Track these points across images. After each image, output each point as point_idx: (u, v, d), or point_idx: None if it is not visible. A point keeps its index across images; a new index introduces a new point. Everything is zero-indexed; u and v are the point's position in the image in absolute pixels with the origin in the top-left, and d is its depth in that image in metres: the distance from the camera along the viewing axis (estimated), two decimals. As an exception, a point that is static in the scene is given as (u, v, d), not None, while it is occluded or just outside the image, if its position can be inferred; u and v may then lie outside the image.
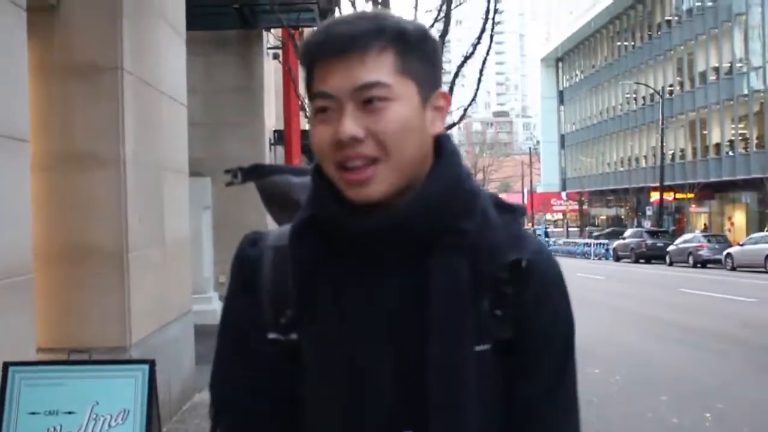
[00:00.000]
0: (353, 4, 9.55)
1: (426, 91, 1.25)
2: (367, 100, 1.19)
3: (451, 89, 8.17)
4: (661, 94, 47.19)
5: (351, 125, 1.18)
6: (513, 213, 1.33)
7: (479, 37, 9.64)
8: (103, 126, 5.61)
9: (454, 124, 8.14)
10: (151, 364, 3.62)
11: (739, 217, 46.55)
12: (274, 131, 15.79)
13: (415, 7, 9.87)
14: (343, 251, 1.25)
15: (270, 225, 1.49)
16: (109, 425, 3.49)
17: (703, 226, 48.35)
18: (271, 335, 1.29)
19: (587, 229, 66.48)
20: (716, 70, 46.54)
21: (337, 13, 14.72)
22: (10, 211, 3.96)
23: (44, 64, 5.44)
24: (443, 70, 1.35)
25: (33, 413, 3.48)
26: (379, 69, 1.19)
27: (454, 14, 8.66)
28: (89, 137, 5.58)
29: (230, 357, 1.34)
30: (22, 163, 4.10)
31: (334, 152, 1.21)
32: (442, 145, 1.30)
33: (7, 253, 3.91)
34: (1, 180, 3.86)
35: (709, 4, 47.06)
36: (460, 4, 8.89)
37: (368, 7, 9.17)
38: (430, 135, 1.26)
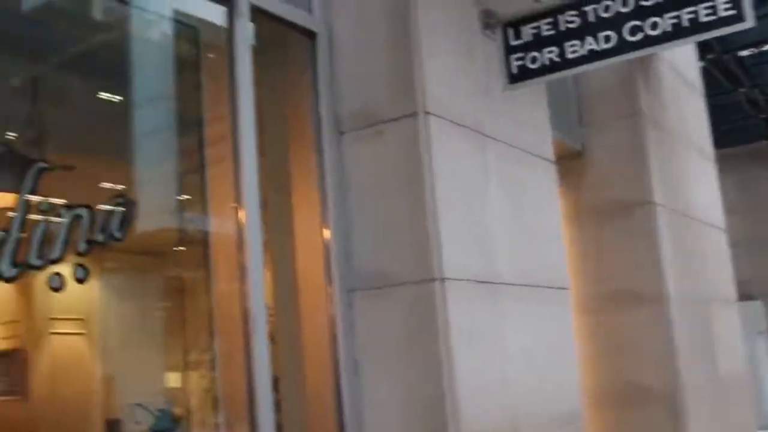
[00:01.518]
0: None
1: None
2: None
3: None
4: None
5: None
6: None
7: None
8: (640, 262, 5.52)
9: None
10: None
11: None
12: (829, 241, 14.15)
13: None
14: None
15: None
16: None
17: None
18: None
19: None
20: None
21: None
22: (557, 359, 4.01)
23: (575, 208, 5.62)
24: None
25: None
26: None
27: None
28: (627, 275, 5.52)
29: None
30: (564, 309, 4.17)
31: None
32: None
33: (558, 399, 3.94)
34: (546, 328, 3.95)
35: None
36: None
37: None
38: None
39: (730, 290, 7.16)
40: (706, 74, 8.87)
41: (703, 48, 8.94)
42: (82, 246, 2.89)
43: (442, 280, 3.21)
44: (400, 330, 3.30)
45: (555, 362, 3.96)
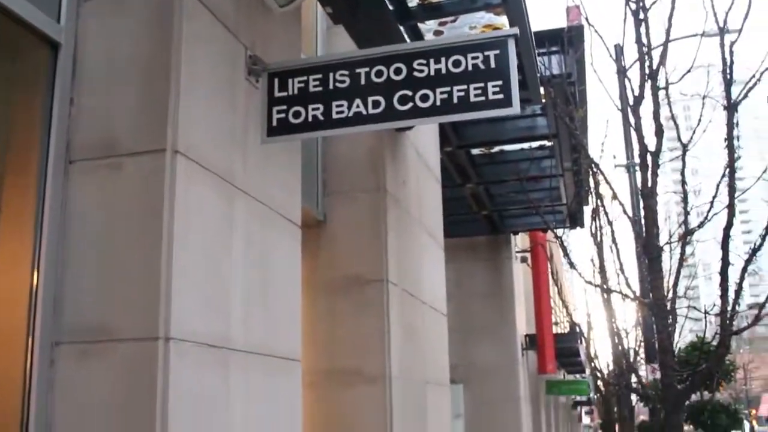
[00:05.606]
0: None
1: None
2: None
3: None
4: None
5: None
6: None
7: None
8: (368, 340, 5.43)
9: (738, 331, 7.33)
10: None
11: None
12: (526, 336, 15.23)
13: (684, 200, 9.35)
14: None
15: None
16: None
17: None
18: None
19: None
20: None
21: (587, 212, 14.42)
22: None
23: (310, 279, 5.43)
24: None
25: None
26: None
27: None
28: (355, 352, 5.40)
29: None
30: (295, 382, 3.90)
31: None
32: None
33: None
34: (276, 401, 3.66)
35: None
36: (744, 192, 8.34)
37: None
38: None
39: (445, 375, 7.30)
40: (442, 166, 9.21)
41: (442, 140, 9.31)
42: None
43: (167, 339, 2.85)
44: (112, 395, 2.86)
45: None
